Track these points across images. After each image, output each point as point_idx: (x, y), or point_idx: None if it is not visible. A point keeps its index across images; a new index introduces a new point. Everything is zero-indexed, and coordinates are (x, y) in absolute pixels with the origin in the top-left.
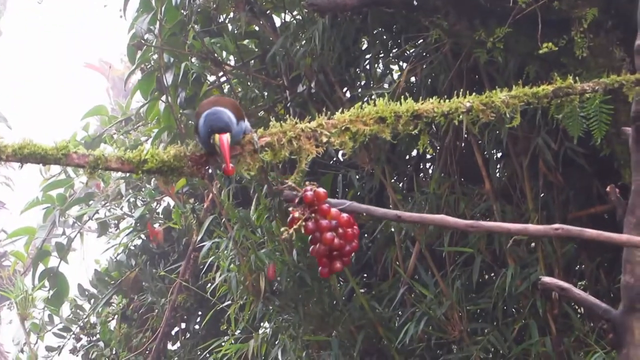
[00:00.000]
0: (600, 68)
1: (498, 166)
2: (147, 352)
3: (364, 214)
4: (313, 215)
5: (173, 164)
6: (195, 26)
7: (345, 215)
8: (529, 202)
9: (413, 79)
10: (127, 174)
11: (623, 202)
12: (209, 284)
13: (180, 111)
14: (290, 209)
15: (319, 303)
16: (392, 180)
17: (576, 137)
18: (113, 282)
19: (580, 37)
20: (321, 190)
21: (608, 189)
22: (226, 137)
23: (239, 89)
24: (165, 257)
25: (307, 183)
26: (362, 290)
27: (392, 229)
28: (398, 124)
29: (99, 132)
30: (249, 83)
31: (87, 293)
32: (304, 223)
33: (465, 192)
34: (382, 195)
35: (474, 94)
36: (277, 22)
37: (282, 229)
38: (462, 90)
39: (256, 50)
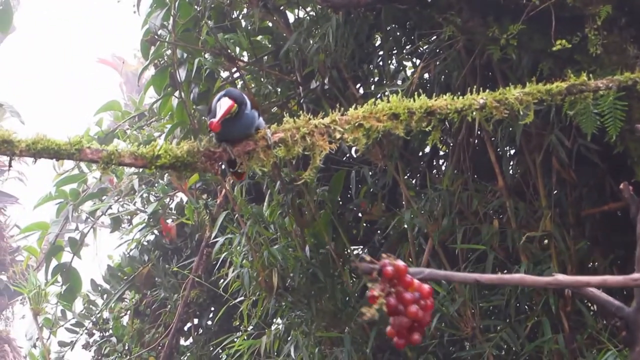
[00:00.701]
0: (614, 65)
1: (511, 163)
2: (159, 347)
3: (443, 280)
4: (393, 289)
5: (186, 160)
6: (209, 22)
7: (426, 286)
8: (542, 199)
9: (426, 75)
10: (140, 170)
11: (636, 199)
12: (222, 280)
13: (194, 107)
14: (369, 284)
15: (332, 299)
16: (405, 177)
17: (589, 134)
18: (126, 277)
19: (594, 34)
20: (400, 263)
21: (621, 186)
22: (232, 105)
23: (252, 85)
24: (178, 252)
25: (383, 255)
26: None
27: (405, 226)
28: (411, 120)
29: (112, 128)
30: (262, 79)
31: (100, 288)
32: (384, 300)
33: (478, 189)
34: (395, 192)
35: (487, 90)
36: (291, 18)
37: (364, 309)
38: (475, 87)
39: (269, 46)
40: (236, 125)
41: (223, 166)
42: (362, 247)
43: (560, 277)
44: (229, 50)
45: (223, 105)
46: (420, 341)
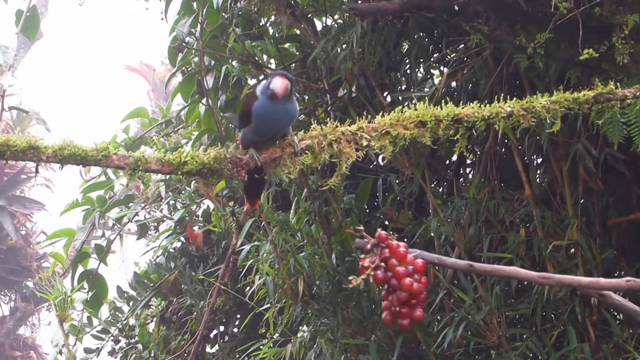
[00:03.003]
0: None
1: (538, 172)
2: (185, 354)
3: (435, 262)
4: (383, 264)
5: (213, 166)
6: (236, 29)
7: (420, 260)
8: (569, 207)
9: (453, 83)
10: (167, 176)
11: None
12: (248, 287)
13: (221, 114)
14: (362, 256)
15: (358, 307)
16: (432, 185)
17: (616, 143)
18: (152, 284)
19: (621, 43)
20: (402, 244)
21: None
22: (287, 81)
23: None
24: (204, 260)
25: (378, 230)
26: None
27: (432, 234)
28: (438, 128)
29: (139, 135)
30: None
31: (126, 295)
32: (372, 272)
33: (505, 198)
34: (421, 200)
35: (514, 99)
36: (319, 25)
37: (350, 277)
38: (502, 95)
39: (297, 53)
40: (281, 110)
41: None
42: None
43: (553, 275)
44: (257, 58)
45: (281, 80)
46: (422, 317)
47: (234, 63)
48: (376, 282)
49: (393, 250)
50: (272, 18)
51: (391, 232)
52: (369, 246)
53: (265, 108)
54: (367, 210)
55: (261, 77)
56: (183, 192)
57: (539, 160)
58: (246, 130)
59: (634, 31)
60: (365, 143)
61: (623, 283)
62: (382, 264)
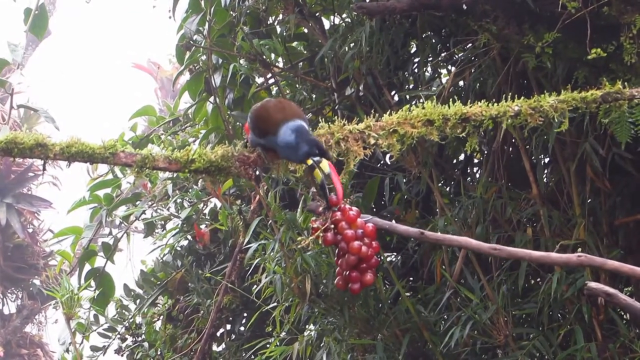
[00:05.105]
0: None
1: (545, 171)
2: (192, 353)
3: (387, 228)
4: (333, 226)
5: (220, 164)
6: (244, 27)
7: (370, 225)
8: (576, 207)
9: (461, 82)
10: (174, 175)
11: None
12: (255, 286)
13: (228, 112)
14: (313, 219)
15: (365, 306)
16: (439, 184)
17: (624, 143)
18: (159, 282)
19: (629, 43)
20: (354, 209)
21: None
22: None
23: (287, 91)
24: (211, 258)
25: (331, 194)
26: (407, 294)
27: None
28: (446, 126)
29: (146, 133)
30: (297, 85)
31: (132, 293)
32: (322, 234)
33: (512, 197)
34: (429, 199)
35: (522, 98)
36: (326, 24)
37: (299, 239)
38: (510, 94)
39: (305, 52)
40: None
41: (257, 172)
42: (395, 254)
43: (504, 247)
44: (264, 56)
45: (332, 171)
46: (373, 280)
47: (241, 61)
48: (325, 244)
49: (344, 214)
50: (280, 16)
51: (345, 199)
52: (320, 209)
53: (278, 143)
54: (374, 209)
55: (269, 75)
56: (190, 190)
57: (546, 160)
58: (253, 137)
59: None
60: (372, 141)
61: (574, 258)
62: (332, 226)
